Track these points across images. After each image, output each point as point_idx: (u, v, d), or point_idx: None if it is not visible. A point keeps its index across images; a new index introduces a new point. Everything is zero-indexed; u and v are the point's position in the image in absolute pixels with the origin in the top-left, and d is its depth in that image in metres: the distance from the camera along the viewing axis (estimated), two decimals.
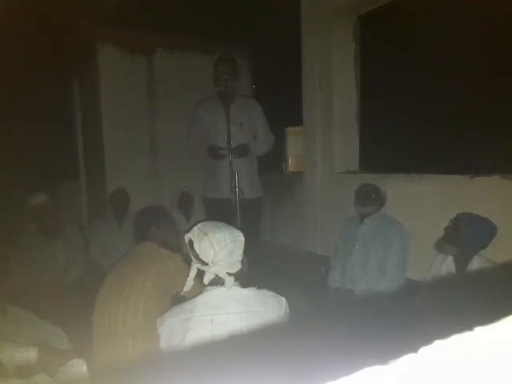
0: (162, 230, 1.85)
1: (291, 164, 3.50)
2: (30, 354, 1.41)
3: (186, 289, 1.33)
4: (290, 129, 3.48)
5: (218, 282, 1.28)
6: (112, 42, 3.78)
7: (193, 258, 1.31)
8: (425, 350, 0.26)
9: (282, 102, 3.89)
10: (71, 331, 1.84)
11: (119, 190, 3.33)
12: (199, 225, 1.33)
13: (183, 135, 3.12)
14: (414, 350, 0.26)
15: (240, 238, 1.32)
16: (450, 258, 2.00)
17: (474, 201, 2.14)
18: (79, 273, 2.94)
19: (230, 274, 1.28)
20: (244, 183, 2.67)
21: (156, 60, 3.99)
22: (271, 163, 3.54)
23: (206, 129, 2.91)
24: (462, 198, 2.22)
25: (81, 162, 4.72)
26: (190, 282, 1.32)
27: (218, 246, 1.26)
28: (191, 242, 1.30)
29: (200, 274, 1.30)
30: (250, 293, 1.31)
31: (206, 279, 1.28)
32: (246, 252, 1.34)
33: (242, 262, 1.33)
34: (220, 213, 2.81)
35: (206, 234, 1.27)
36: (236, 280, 1.30)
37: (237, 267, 1.30)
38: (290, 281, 2.71)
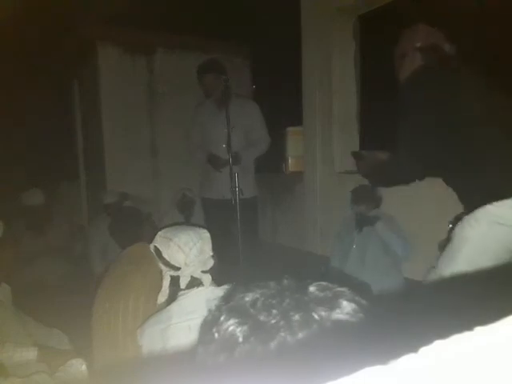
0: (150, 227, 1.84)
1: (291, 164, 3.49)
2: (29, 354, 1.42)
3: (162, 299, 1.30)
4: (289, 129, 3.47)
5: (194, 283, 1.26)
6: (112, 42, 3.78)
7: (163, 266, 1.28)
8: (425, 350, 0.26)
9: (282, 102, 3.88)
10: (70, 331, 1.84)
11: (115, 194, 3.31)
12: (160, 233, 1.30)
13: (183, 135, 3.12)
14: (414, 349, 0.26)
15: (205, 234, 1.31)
16: None
17: None
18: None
19: (205, 272, 1.27)
20: (240, 183, 2.67)
21: (156, 60, 3.99)
22: (271, 163, 3.53)
23: (201, 131, 2.91)
24: None
25: (81, 162, 4.72)
26: (164, 291, 1.29)
27: (187, 248, 1.24)
28: (158, 251, 1.27)
29: (174, 282, 1.27)
30: (223, 291, 1.27)
31: (183, 283, 1.25)
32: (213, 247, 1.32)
33: (214, 256, 1.31)
34: (217, 213, 2.81)
35: (171, 240, 1.25)
36: (213, 277, 1.28)
37: (210, 263, 1.29)
38: None
